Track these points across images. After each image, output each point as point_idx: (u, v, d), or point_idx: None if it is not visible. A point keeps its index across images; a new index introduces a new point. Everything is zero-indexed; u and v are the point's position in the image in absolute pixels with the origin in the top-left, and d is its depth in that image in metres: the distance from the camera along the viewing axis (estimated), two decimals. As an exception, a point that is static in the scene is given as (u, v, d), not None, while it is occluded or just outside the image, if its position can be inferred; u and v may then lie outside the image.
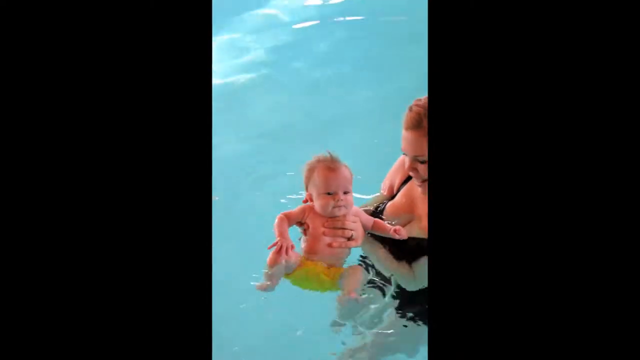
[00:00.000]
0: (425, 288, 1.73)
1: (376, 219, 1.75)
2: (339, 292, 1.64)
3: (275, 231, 1.64)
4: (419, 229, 1.75)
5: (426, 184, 1.66)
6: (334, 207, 1.64)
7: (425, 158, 1.61)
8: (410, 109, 1.62)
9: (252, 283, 1.62)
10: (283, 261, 1.60)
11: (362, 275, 1.70)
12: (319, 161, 1.68)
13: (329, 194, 1.64)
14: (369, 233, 1.74)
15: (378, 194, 1.96)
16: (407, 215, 1.79)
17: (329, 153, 1.69)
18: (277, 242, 1.61)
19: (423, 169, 1.65)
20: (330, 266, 1.67)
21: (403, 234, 1.68)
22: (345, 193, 1.66)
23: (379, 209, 1.85)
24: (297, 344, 2.02)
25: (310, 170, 1.68)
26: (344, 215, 1.66)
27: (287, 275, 1.65)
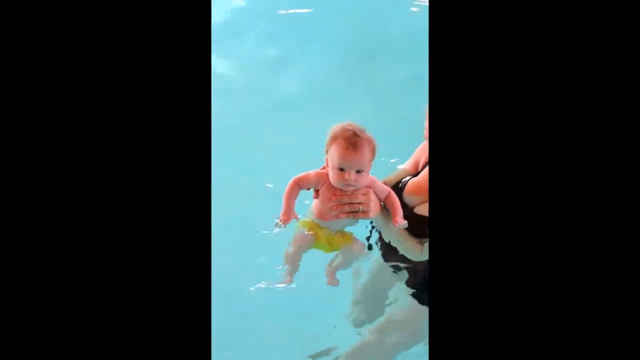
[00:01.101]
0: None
1: (391, 191, 1.72)
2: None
3: (283, 201, 1.66)
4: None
5: None
6: (342, 184, 1.63)
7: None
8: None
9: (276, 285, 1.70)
10: (299, 253, 1.68)
11: (356, 255, 1.76)
12: (342, 132, 1.64)
13: (341, 169, 1.62)
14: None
15: (402, 166, 1.95)
16: (427, 195, 1.75)
17: (351, 125, 1.64)
18: (279, 219, 1.63)
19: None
20: (336, 233, 1.72)
21: (401, 223, 1.68)
22: (358, 172, 1.63)
23: (400, 184, 1.83)
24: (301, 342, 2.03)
25: (333, 138, 1.65)
26: (355, 190, 1.66)
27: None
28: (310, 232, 1.70)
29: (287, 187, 1.67)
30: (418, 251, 1.77)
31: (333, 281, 1.73)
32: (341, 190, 1.65)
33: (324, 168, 1.70)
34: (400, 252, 1.83)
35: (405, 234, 1.76)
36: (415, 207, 1.79)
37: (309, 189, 1.70)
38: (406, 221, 1.68)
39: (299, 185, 1.68)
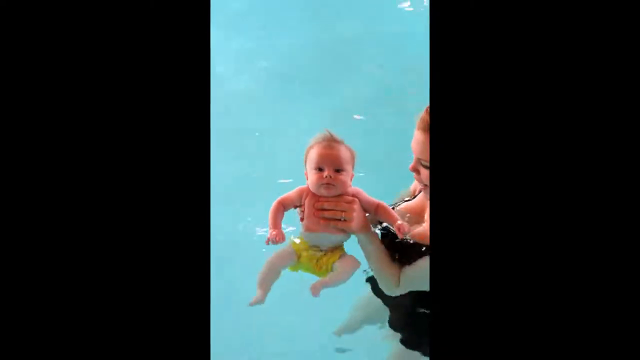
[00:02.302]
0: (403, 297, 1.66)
1: (381, 202, 1.64)
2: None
3: (269, 220, 1.60)
4: (420, 234, 1.64)
5: (427, 189, 1.58)
6: (321, 185, 1.57)
7: (428, 164, 1.51)
8: (427, 110, 1.51)
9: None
10: (274, 270, 1.59)
11: (349, 271, 1.60)
12: (318, 138, 1.63)
13: (319, 169, 1.58)
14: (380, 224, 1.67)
15: (404, 191, 1.88)
16: (415, 218, 1.70)
17: (329, 132, 1.63)
18: (268, 237, 1.57)
19: (424, 174, 1.54)
20: (327, 252, 1.61)
21: (405, 230, 1.57)
22: (337, 171, 1.58)
23: (395, 207, 1.76)
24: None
25: (308, 149, 1.63)
26: (340, 195, 1.59)
27: (290, 268, 1.63)
28: (292, 249, 1.62)
29: (271, 207, 1.62)
30: (394, 283, 1.62)
31: (316, 293, 1.57)
32: (321, 197, 1.59)
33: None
34: (377, 280, 1.68)
35: (387, 260, 1.63)
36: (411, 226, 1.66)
37: (294, 206, 1.65)
38: (410, 228, 1.58)
39: (283, 204, 1.63)
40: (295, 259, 1.61)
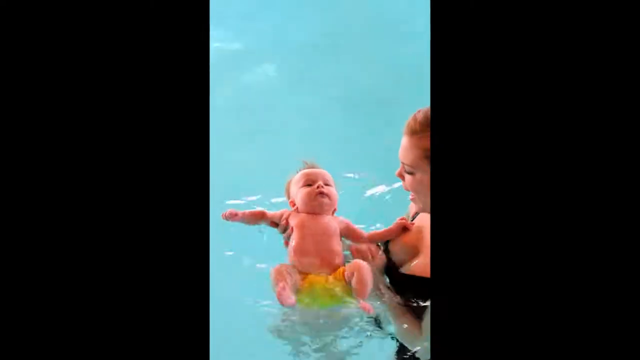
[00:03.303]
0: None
1: (367, 236, 1.62)
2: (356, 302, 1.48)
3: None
4: (420, 267, 1.54)
5: (415, 199, 1.53)
6: (316, 195, 1.57)
7: (412, 170, 1.48)
8: (414, 116, 1.49)
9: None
10: (285, 275, 1.48)
11: (368, 274, 1.50)
12: (295, 174, 1.66)
13: (308, 185, 1.59)
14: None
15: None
16: (411, 250, 1.60)
17: (305, 161, 1.67)
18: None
19: (408, 181, 1.50)
20: (331, 271, 1.53)
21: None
22: (326, 185, 1.60)
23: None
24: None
25: (288, 183, 1.66)
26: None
27: (298, 296, 1.50)
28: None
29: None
30: (417, 332, 1.48)
31: (370, 308, 1.47)
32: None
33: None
34: (398, 337, 1.56)
35: (397, 308, 1.51)
36: (403, 265, 1.59)
37: (273, 224, 1.63)
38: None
39: (264, 213, 1.63)
40: (299, 279, 1.51)
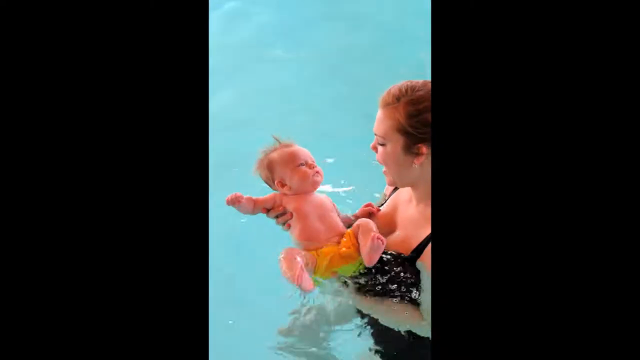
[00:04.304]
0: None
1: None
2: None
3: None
4: (396, 243, 1.57)
5: (386, 172, 1.56)
6: (313, 176, 1.57)
7: (383, 141, 1.50)
8: (388, 89, 1.52)
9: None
10: (294, 258, 1.47)
11: (375, 225, 1.55)
12: (269, 148, 1.63)
13: (302, 164, 1.58)
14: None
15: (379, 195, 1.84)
16: (387, 229, 1.62)
17: (275, 138, 1.64)
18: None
19: (380, 152, 1.53)
20: (339, 240, 1.55)
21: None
22: (312, 162, 1.61)
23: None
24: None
25: (268, 158, 1.62)
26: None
27: (315, 274, 1.53)
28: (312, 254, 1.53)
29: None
30: (418, 321, 1.52)
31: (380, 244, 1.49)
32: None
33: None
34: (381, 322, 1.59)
35: (379, 300, 1.53)
36: None
37: (264, 209, 1.60)
38: (380, 240, 1.49)
39: (255, 200, 1.60)
40: (313, 260, 1.52)
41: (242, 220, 2.45)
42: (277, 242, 1.61)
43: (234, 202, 1.57)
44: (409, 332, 1.58)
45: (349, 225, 1.61)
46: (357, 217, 1.65)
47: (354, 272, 1.55)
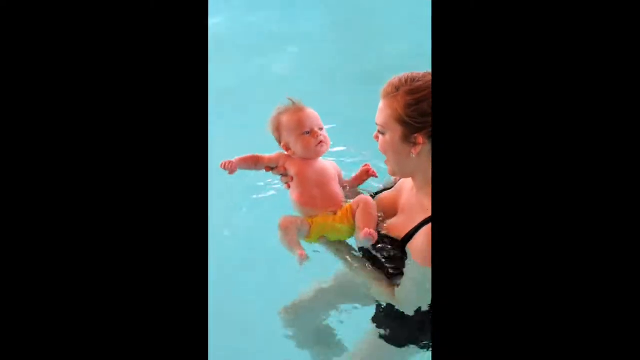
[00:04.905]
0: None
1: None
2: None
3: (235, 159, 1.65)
4: (395, 226, 1.62)
5: (387, 161, 1.58)
6: (317, 145, 1.61)
7: (383, 130, 1.53)
8: (389, 81, 1.54)
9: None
10: (292, 227, 1.56)
11: (375, 208, 1.60)
12: (282, 109, 1.66)
13: (307, 132, 1.62)
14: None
15: (388, 179, 1.84)
16: (390, 211, 1.67)
17: (290, 99, 1.67)
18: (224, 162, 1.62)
19: (381, 142, 1.55)
20: (335, 211, 1.60)
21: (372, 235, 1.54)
22: (320, 129, 1.63)
23: (374, 197, 1.72)
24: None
25: (277, 120, 1.66)
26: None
27: (307, 238, 1.61)
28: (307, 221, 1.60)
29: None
30: (385, 295, 1.60)
31: (375, 235, 1.53)
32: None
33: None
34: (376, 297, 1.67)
35: (379, 278, 1.60)
36: (380, 223, 1.63)
37: (268, 168, 1.67)
38: (372, 235, 1.53)
39: (257, 157, 1.66)
40: (307, 226, 1.59)
41: (243, 210, 2.49)
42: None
43: (227, 168, 1.63)
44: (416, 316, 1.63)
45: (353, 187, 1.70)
46: (355, 180, 1.73)
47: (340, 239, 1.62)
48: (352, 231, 1.59)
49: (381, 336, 1.71)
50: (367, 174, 1.75)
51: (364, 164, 1.75)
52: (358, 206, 1.58)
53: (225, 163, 1.63)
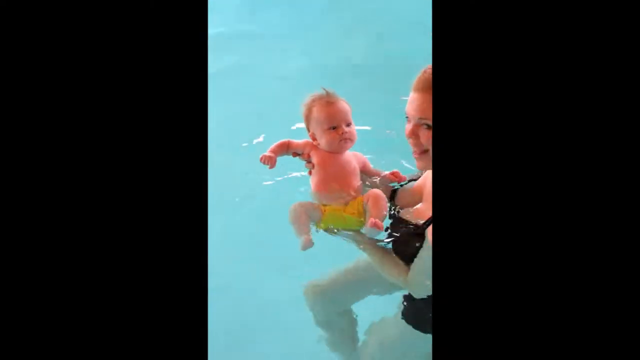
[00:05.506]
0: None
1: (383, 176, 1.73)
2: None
3: (271, 147, 1.69)
4: (419, 212, 1.63)
5: (425, 156, 1.53)
6: (340, 141, 1.64)
7: (431, 123, 1.45)
8: (425, 72, 1.48)
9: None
10: (303, 213, 1.60)
11: (384, 201, 1.62)
12: (315, 98, 1.67)
13: (332, 128, 1.63)
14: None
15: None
16: (416, 198, 1.68)
17: (324, 89, 1.68)
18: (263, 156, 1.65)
19: (426, 136, 1.49)
20: (347, 203, 1.63)
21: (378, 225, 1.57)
22: (347, 125, 1.65)
23: (396, 189, 1.74)
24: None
25: (309, 109, 1.68)
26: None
27: (317, 225, 1.63)
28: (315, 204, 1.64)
29: (278, 142, 1.70)
30: (402, 278, 1.58)
31: (381, 226, 1.56)
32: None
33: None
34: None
35: (381, 249, 1.62)
36: (403, 208, 1.66)
37: (295, 154, 1.71)
38: (377, 226, 1.55)
39: (289, 143, 1.70)
40: (319, 213, 1.62)
41: (236, 199, 2.49)
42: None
43: (267, 162, 1.66)
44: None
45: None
46: (382, 178, 1.74)
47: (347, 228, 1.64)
48: (359, 222, 1.62)
49: (406, 319, 1.71)
50: (394, 177, 1.75)
51: (393, 170, 1.75)
52: (368, 199, 1.61)
53: (265, 157, 1.66)
